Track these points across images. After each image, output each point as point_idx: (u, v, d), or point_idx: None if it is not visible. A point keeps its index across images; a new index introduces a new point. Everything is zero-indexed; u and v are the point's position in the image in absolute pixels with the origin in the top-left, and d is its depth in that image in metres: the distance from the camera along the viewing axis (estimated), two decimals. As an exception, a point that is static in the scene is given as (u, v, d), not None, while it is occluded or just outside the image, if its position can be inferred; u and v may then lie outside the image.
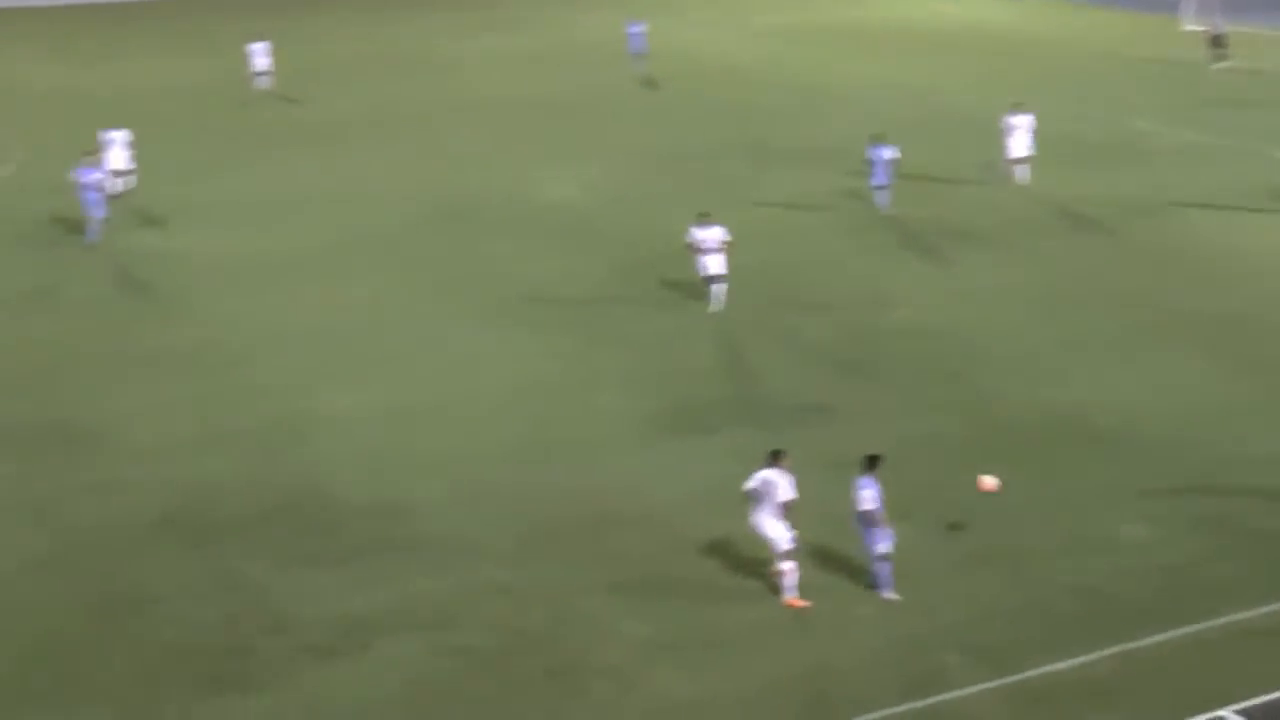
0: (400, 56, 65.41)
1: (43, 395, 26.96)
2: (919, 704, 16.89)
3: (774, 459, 19.33)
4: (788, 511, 19.00)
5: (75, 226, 36.65)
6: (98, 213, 35.98)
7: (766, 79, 58.02)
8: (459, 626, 18.83)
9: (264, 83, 54.87)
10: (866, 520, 19.16)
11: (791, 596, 19.11)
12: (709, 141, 46.59)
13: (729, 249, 30.24)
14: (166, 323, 30.76)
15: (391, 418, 25.66)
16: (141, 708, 17.27)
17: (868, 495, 19.13)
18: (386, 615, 19.10)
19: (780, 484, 19.07)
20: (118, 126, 40.67)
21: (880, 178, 37.29)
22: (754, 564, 19.76)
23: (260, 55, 54.98)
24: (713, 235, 30.42)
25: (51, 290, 33.02)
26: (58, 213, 38.05)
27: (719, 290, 30.27)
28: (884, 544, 19.11)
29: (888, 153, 37.06)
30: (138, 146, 41.09)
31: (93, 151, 37.43)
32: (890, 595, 19.11)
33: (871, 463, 19.49)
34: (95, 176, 36.04)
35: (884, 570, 19.18)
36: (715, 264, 30.31)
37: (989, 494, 20.69)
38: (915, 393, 26.27)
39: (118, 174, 39.69)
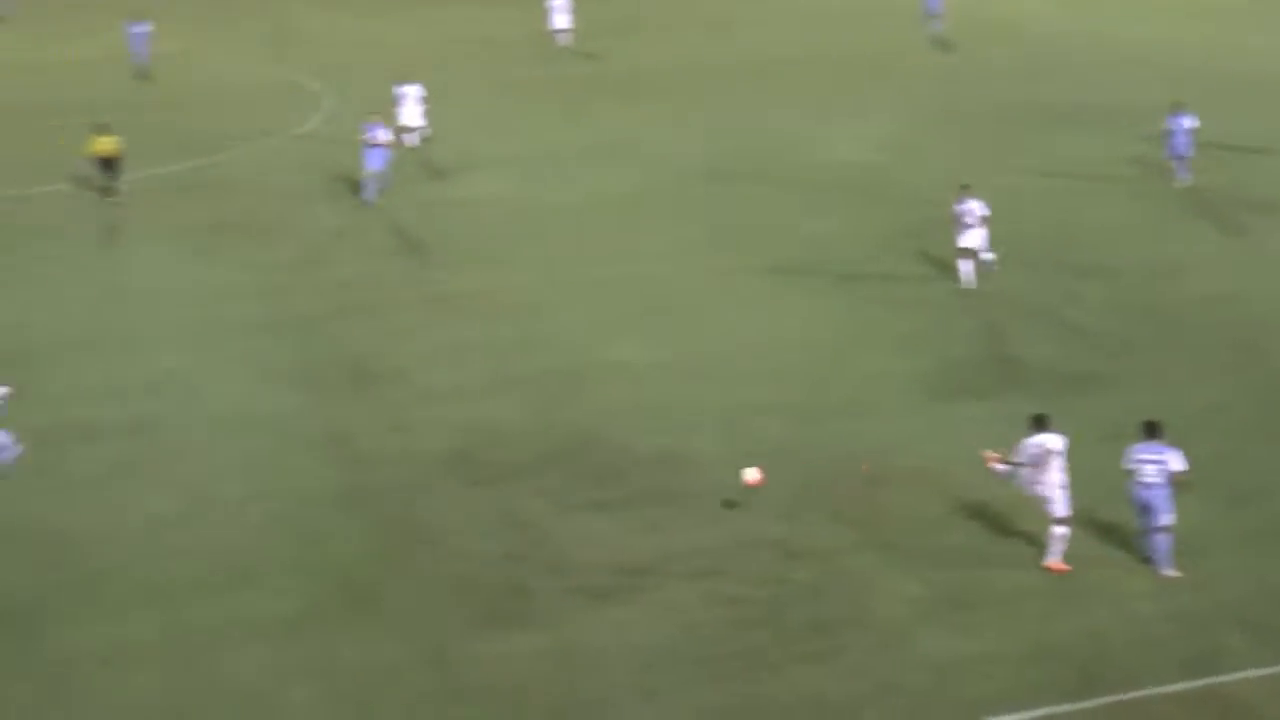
0: (698, 13, 65.79)
1: (342, 335, 28.23)
2: (1197, 683, 16.58)
3: (1040, 424, 19.19)
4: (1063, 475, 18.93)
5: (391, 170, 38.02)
6: (376, 168, 36.16)
7: (1061, 40, 56.66)
8: (730, 576, 19.20)
9: (563, 39, 55.80)
10: (1147, 491, 18.83)
11: (1054, 560, 18.97)
12: (1000, 102, 45.84)
13: (987, 222, 29.54)
14: (460, 270, 31.82)
15: (672, 369, 26.16)
16: (425, 636, 18.09)
17: (1149, 465, 18.80)
18: (661, 562, 19.58)
19: (1058, 448, 18.97)
20: (411, 80, 41.38)
21: (1180, 148, 35.95)
22: (1023, 529, 19.65)
23: (561, 12, 55.85)
24: (971, 209, 29.57)
25: (351, 235, 34.42)
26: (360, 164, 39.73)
27: (968, 268, 29.44)
28: (1165, 516, 18.76)
29: (1188, 121, 35.66)
30: (434, 98, 42.35)
31: (379, 111, 37.70)
32: (1170, 572, 18.74)
33: (1151, 430, 19.12)
34: (381, 135, 36.33)
35: (1163, 544, 18.82)
36: (972, 238, 29.56)
37: (753, 488, 20.72)
38: (1203, 362, 25.60)
39: (410, 129, 40.45)
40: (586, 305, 29.44)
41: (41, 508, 21.42)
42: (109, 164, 36.43)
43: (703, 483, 21.79)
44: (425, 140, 40.87)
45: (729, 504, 20.97)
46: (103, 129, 36.47)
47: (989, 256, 29.49)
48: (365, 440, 23.63)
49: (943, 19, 57.62)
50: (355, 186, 37.51)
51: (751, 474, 20.99)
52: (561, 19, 55.70)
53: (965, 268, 29.49)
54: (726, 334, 27.79)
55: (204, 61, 56.27)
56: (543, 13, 56.59)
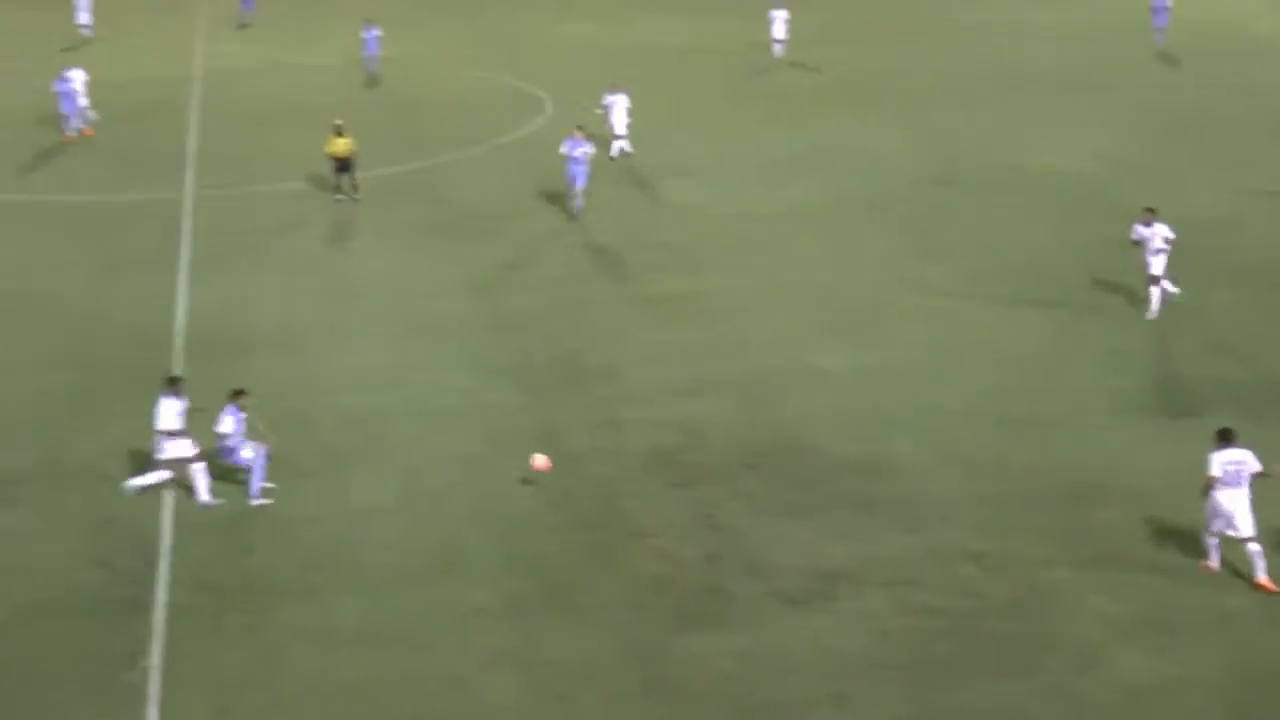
0: (914, 23, 65.38)
1: (552, 333, 28.88)
2: None
3: (1226, 439, 18.90)
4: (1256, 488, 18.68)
5: (598, 176, 38.64)
6: (580, 184, 36.08)
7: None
8: (926, 586, 19.27)
9: (779, 49, 55.78)
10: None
11: (1263, 578, 18.67)
12: (1225, 116, 44.76)
13: (1171, 246, 28.60)
14: (668, 273, 32.27)
15: (874, 375, 26.25)
16: (623, 632, 18.52)
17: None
18: (857, 569, 19.73)
19: (1249, 462, 18.73)
20: (621, 88, 42.01)
21: None
22: (1230, 550, 19.32)
23: (779, 22, 55.85)
24: (1154, 233, 28.52)
25: (563, 237, 35.13)
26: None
27: (1156, 295, 28.59)
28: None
29: None
30: (649, 104, 42.88)
31: (582, 126, 37.35)
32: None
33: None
34: (583, 148, 36.09)
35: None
36: (1158, 264, 28.52)
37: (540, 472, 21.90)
38: None
39: (619, 136, 41.20)
40: (789, 310, 29.64)
41: (288, 510, 22.36)
42: (343, 164, 37.77)
43: (901, 490, 21.87)
44: (628, 148, 41.28)
45: (526, 481, 21.86)
46: (339, 131, 37.81)
47: (1172, 289, 28.71)
48: (573, 437, 24.19)
49: (1166, 32, 56.37)
50: (568, 191, 38.28)
51: (540, 460, 22.24)
52: (779, 28, 55.70)
53: (1154, 294, 28.72)
54: (929, 342, 27.76)
55: (433, 66, 57.76)
56: (764, 23, 56.72)
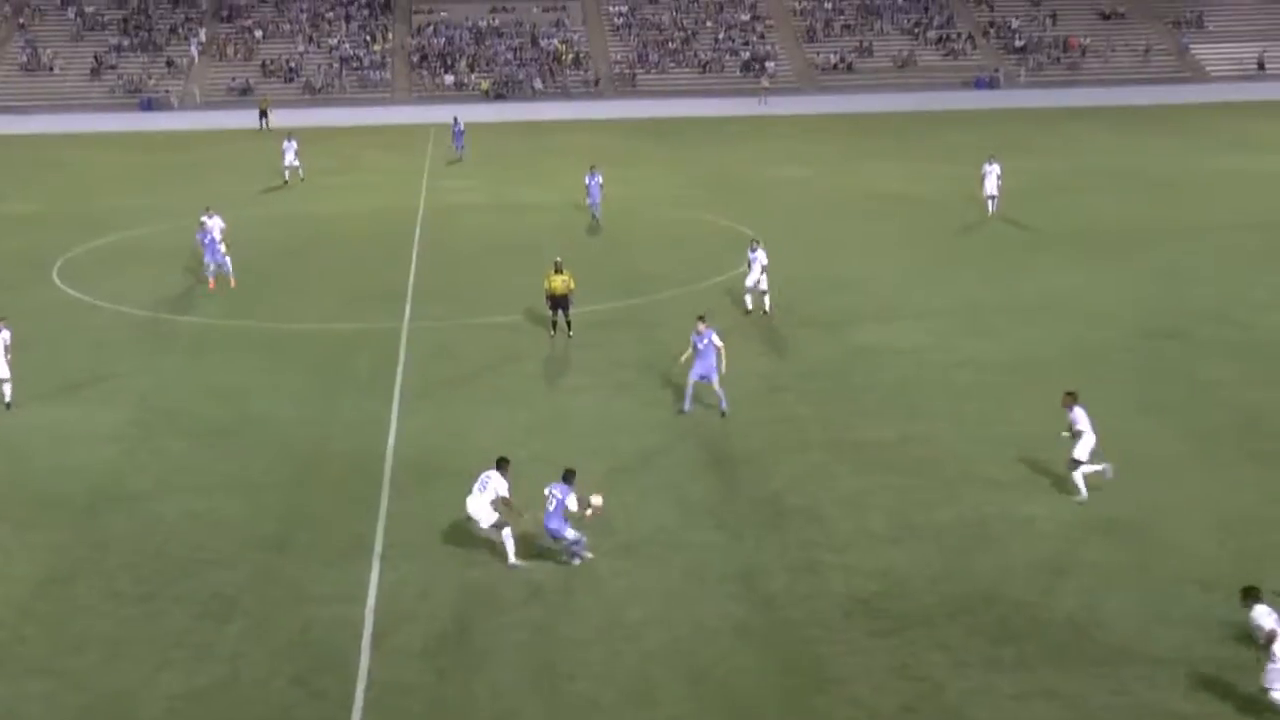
0: (1138, 176, 64.59)
1: (759, 472, 28.78)
2: None
3: None
4: None
5: (809, 318, 38.65)
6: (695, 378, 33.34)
7: None
8: (1132, 751, 18.55)
9: (992, 206, 54.83)
10: None
11: None
12: None
13: None
14: (876, 417, 32.01)
15: (1085, 529, 25.53)
16: (814, 780, 18.20)
17: None
18: (1059, 728, 19.11)
19: None
20: (760, 244, 41.23)
21: None
22: None
23: (991, 177, 55.20)
24: None
25: (777, 379, 35.10)
26: (792, 305, 40.82)
27: None
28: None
29: None
30: (862, 248, 42.87)
31: (704, 317, 33.09)
32: None
33: None
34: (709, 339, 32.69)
35: None
36: None
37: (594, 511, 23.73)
38: None
39: (755, 290, 40.49)
40: (1000, 460, 29.10)
41: (468, 622, 22.63)
42: (560, 301, 38.47)
43: (1109, 651, 21.14)
44: (767, 306, 40.84)
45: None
46: (558, 268, 38.59)
47: None
48: (771, 579, 23.98)
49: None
50: (780, 334, 38.37)
51: (597, 500, 24.22)
52: (991, 183, 54.92)
53: None
54: (1146, 497, 26.93)
55: (650, 204, 58.82)
56: (976, 177, 56.40)
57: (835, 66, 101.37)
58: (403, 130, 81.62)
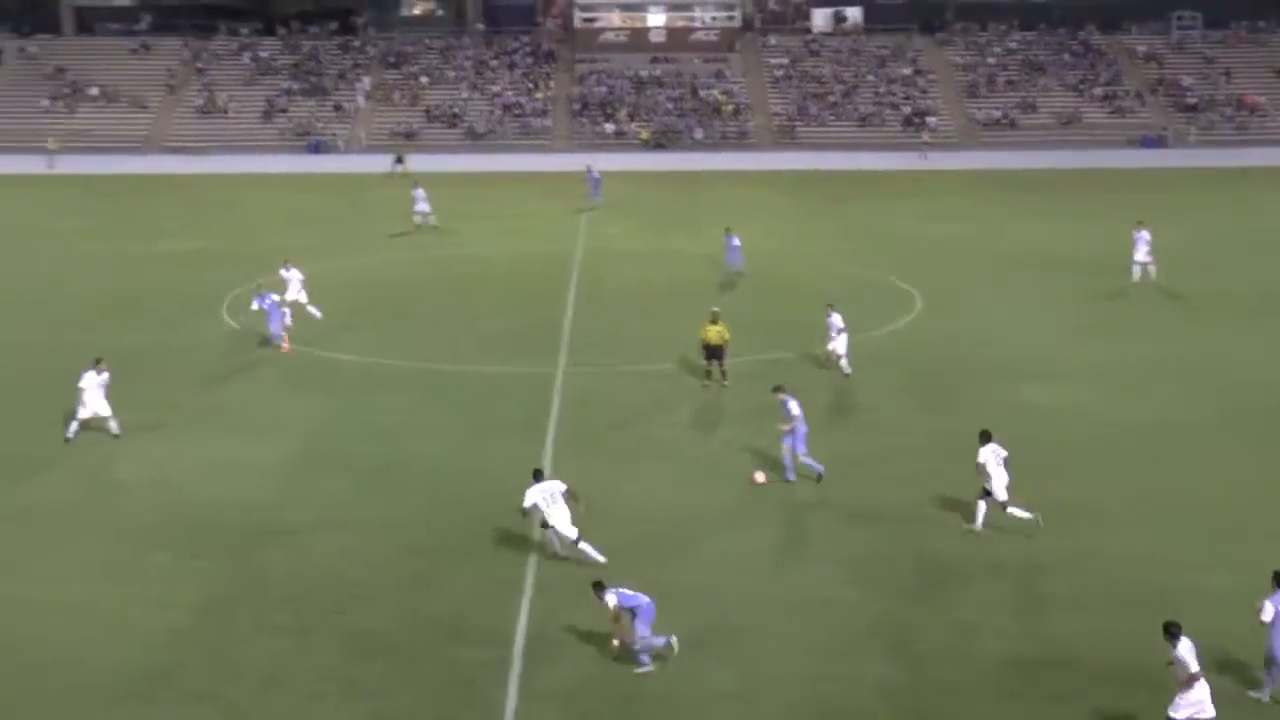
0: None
1: (912, 529, 28.40)
2: None
3: None
4: None
5: (960, 376, 38.13)
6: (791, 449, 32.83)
7: None
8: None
9: (1137, 272, 52.72)
10: None
11: None
12: None
13: None
14: (1033, 476, 31.28)
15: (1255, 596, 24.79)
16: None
17: None
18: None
19: None
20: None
21: None
22: None
23: (1142, 244, 53.42)
24: None
25: (928, 434, 34.72)
26: (948, 361, 40.52)
27: None
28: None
29: None
30: (1013, 308, 42.11)
31: (782, 386, 33.11)
32: None
33: None
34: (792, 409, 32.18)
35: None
36: None
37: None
38: None
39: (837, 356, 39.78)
40: (1161, 524, 28.41)
41: (631, 689, 22.64)
42: (715, 351, 38.51)
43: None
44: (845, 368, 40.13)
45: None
46: (714, 318, 38.64)
47: None
48: (924, 639, 23.66)
49: None
50: (935, 391, 38.05)
51: (760, 476, 26.28)
52: (1141, 251, 52.96)
53: None
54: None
55: (805, 257, 58.74)
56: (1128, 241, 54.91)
57: (998, 122, 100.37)
58: (562, 177, 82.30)
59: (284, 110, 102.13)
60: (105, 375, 34.16)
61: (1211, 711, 19.71)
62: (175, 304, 49.21)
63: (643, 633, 22.51)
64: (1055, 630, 23.77)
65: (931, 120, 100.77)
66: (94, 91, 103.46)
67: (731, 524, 28.92)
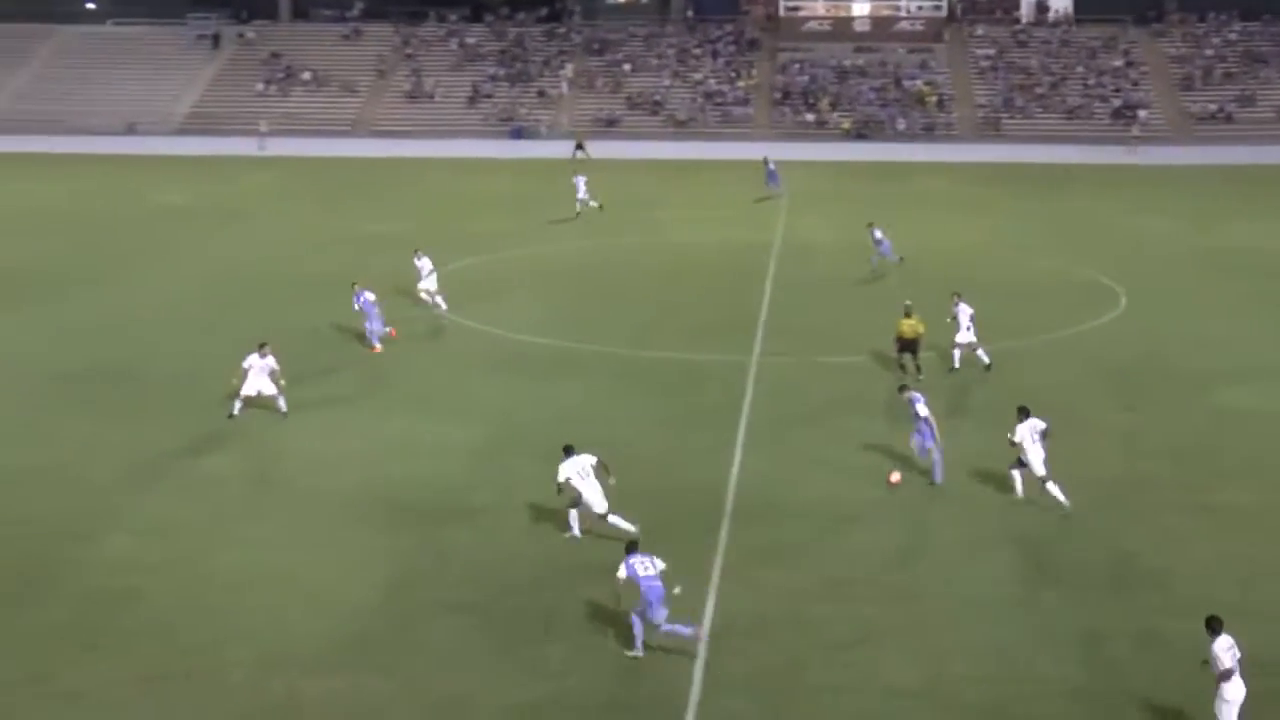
0: None
1: (1106, 533, 27.66)
2: None
3: None
4: None
5: (1147, 378, 37.08)
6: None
7: None
8: None
9: None
10: None
11: None
12: None
13: None
14: (1233, 480, 30.51)
15: None
16: None
17: None
18: None
19: None
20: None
21: None
22: None
23: None
24: None
25: (1126, 435, 33.83)
26: (1152, 361, 39.37)
27: None
28: None
29: None
30: (1238, 305, 40.77)
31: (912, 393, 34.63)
32: None
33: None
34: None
35: None
36: None
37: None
38: None
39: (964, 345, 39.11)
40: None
41: (799, 659, 22.49)
42: (908, 344, 38.05)
43: None
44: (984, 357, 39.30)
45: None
46: (907, 311, 38.17)
47: None
48: (1115, 643, 23.06)
49: None
50: (1139, 391, 37.10)
51: (895, 476, 26.02)
52: None
53: None
54: None
55: (1003, 251, 57.71)
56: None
57: (1213, 116, 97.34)
58: (762, 166, 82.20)
59: (489, 96, 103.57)
60: (269, 359, 34.52)
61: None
62: (382, 283, 50.09)
63: (657, 616, 22.25)
64: (1249, 639, 22.90)
65: (1142, 113, 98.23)
66: (306, 76, 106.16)
67: (918, 518, 28.52)
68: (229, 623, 23.77)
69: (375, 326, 41.26)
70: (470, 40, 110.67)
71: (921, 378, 37.62)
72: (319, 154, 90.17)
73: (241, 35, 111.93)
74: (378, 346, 41.03)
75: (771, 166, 71.68)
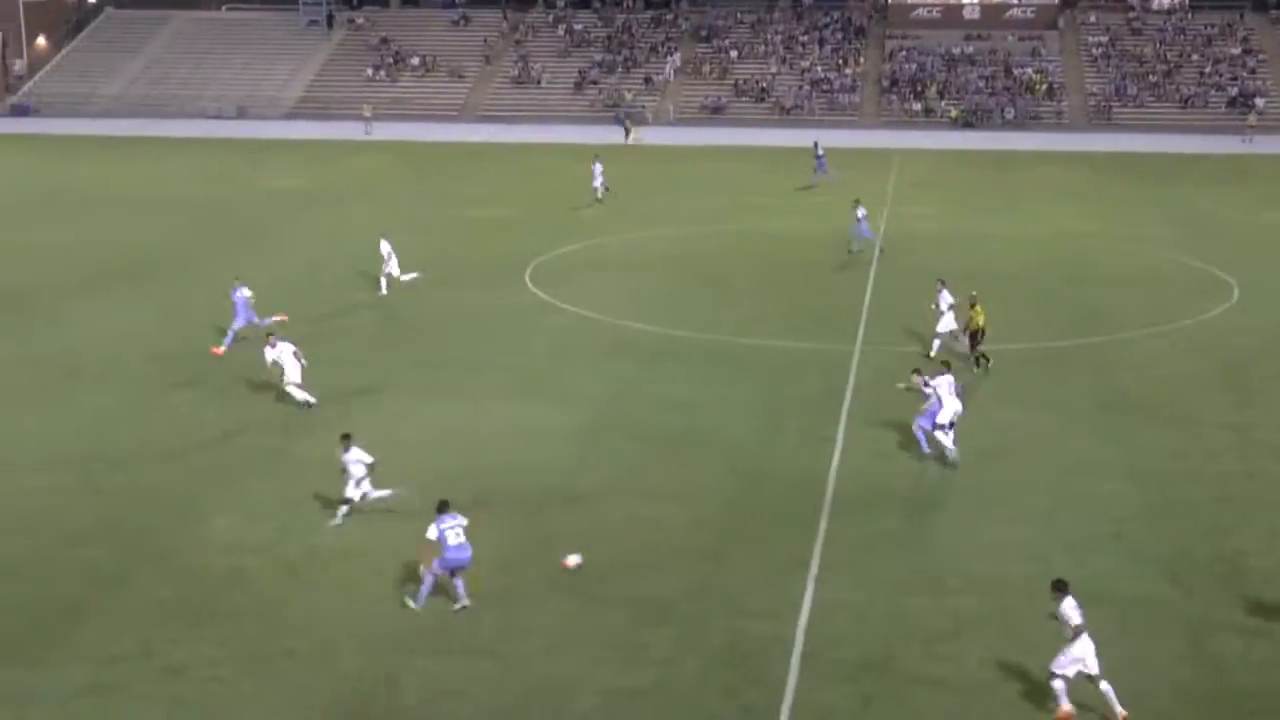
0: None
1: (1218, 528, 27.32)
2: None
3: None
4: None
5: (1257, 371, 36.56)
6: None
7: None
8: None
9: None
10: None
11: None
12: None
13: None
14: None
15: None
16: None
17: None
18: None
19: None
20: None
21: None
22: None
23: None
24: None
25: (1239, 430, 33.29)
26: (1263, 354, 38.78)
27: None
28: None
29: None
30: None
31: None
32: None
33: None
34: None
35: None
36: None
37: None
38: None
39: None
40: None
41: (897, 650, 22.43)
42: (975, 333, 37.73)
43: None
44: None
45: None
46: (972, 302, 37.82)
47: None
48: (1222, 639, 22.77)
49: None
50: (1251, 385, 36.49)
51: (572, 559, 24.65)
52: None
53: None
54: None
55: (1118, 241, 56.96)
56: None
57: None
58: (868, 154, 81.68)
59: (595, 82, 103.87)
60: (283, 346, 34.30)
61: (1095, 668, 20.24)
62: (485, 269, 50.50)
63: (437, 570, 23.55)
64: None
65: (1259, 102, 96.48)
66: (415, 61, 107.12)
67: (1019, 511, 28.23)
68: (332, 603, 24.11)
69: (239, 324, 39.27)
70: (578, 26, 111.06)
71: (976, 370, 37.15)
72: (424, 138, 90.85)
73: (352, 21, 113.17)
74: (222, 349, 39.02)
75: (820, 153, 70.96)
